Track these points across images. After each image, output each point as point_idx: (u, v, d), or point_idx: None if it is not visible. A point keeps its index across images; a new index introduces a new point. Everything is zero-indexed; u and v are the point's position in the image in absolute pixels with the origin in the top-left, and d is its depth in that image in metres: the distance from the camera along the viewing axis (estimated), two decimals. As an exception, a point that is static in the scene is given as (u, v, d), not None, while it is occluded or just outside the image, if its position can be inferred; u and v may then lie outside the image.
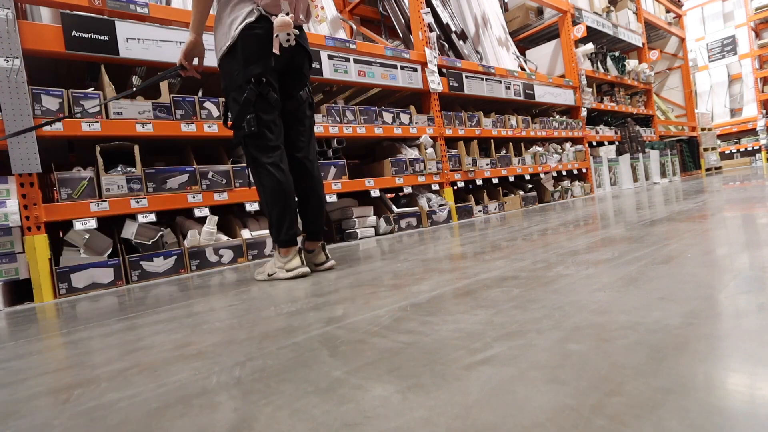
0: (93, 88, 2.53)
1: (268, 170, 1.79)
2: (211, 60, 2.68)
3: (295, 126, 1.94)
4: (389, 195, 3.88)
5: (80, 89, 2.31)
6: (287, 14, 1.75)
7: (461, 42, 4.68)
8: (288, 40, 1.75)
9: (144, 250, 2.46)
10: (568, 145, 5.68)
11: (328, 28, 3.78)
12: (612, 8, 6.71)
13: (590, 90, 6.01)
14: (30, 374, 0.89)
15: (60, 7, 2.32)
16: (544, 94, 5.27)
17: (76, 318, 1.50)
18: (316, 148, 2.08)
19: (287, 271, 1.79)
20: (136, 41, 2.43)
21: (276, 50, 1.75)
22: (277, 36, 1.74)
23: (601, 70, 6.41)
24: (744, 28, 10.14)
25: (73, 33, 2.27)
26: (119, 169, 2.41)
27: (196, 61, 1.93)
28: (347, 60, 3.36)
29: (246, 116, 1.76)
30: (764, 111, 10.13)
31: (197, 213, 2.56)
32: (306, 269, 1.81)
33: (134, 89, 2.00)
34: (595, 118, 6.66)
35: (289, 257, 1.81)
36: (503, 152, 4.74)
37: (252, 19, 1.74)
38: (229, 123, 1.85)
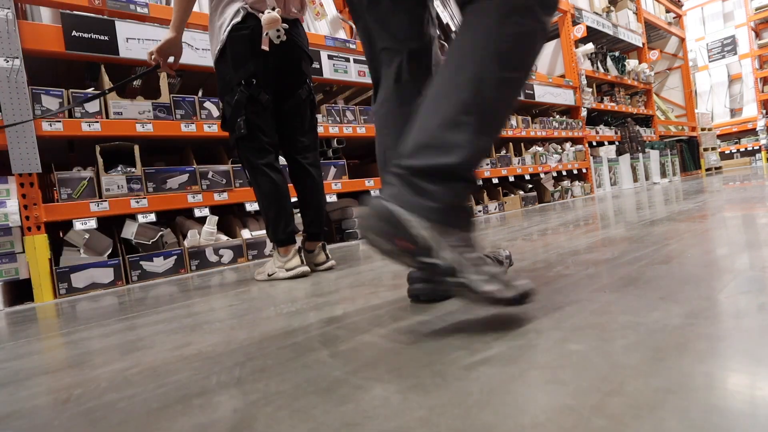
0: (93, 88, 2.53)
1: (263, 171, 1.79)
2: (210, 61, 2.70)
3: (295, 126, 1.92)
4: (389, 195, 3.87)
5: (80, 89, 2.31)
6: (274, 9, 1.70)
7: (461, 42, 4.68)
8: (279, 36, 1.70)
9: (144, 250, 2.46)
10: (568, 145, 5.68)
11: (328, 28, 3.78)
12: (612, 8, 6.71)
13: (590, 90, 6.01)
14: (30, 374, 0.89)
15: (60, 7, 2.32)
16: (544, 94, 5.27)
17: (76, 318, 1.50)
18: (319, 149, 2.04)
19: (287, 270, 1.79)
20: (136, 41, 2.44)
21: (265, 46, 1.70)
22: (266, 33, 1.70)
23: (601, 70, 6.41)
24: (744, 28, 10.13)
25: (73, 33, 2.27)
26: (119, 169, 2.41)
27: (172, 59, 1.90)
28: (347, 60, 3.36)
29: (237, 119, 1.76)
30: (764, 111, 10.12)
31: (197, 213, 2.56)
32: (305, 268, 1.81)
33: (106, 90, 1.97)
34: (595, 118, 6.66)
35: (289, 256, 1.80)
36: (503, 152, 4.74)
37: (238, 19, 1.71)
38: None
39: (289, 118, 1.91)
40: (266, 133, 1.81)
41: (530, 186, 5.16)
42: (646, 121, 7.59)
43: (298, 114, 1.93)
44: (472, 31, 0.80)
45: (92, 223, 2.23)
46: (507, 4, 0.77)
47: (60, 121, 2.19)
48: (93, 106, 2.30)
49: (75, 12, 2.32)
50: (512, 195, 4.81)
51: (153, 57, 1.84)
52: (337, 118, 3.26)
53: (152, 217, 2.41)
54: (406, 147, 0.80)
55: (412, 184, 0.76)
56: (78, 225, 2.20)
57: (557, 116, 5.72)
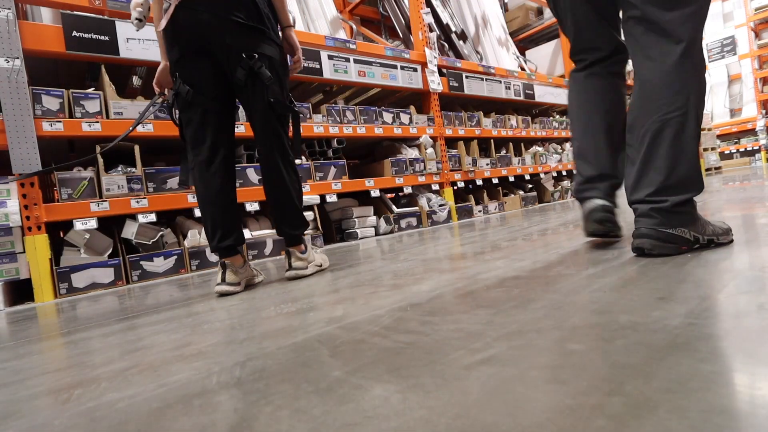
0: (93, 89, 2.53)
1: (193, 172, 1.65)
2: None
3: (251, 114, 1.69)
4: (389, 195, 3.89)
5: (80, 89, 2.32)
6: None
7: (461, 42, 4.68)
8: (137, 18, 1.58)
9: (144, 250, 2.47)
10: (568, 145, 5.68)
11: (328, 28, 3.78)
12: (612, 8, 6.70)
13: (590, 90, 5.99)
14: (30, 374, 0.89)
15: (60, 8, 2.32)
16: (544, 94, 5.27)
17: (76, 318, 1.50)
18: (277, 135, 1.69)
19: (216, 284, 1.59)
20: (136, 41, 2.44)
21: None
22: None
23: (601, 70, 6.40)
24: (744, 29, 10.13)
25: (74, 33, 2.27)
26: (119, 169, 2.41)
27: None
28: (347, 60, 3.36)
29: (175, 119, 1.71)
30: (764, 111, 10.12)
31: (197, 213, 2.56)
32: (223, 288, 1.57)
33: (130, 129, 1.93)
34: (595, 118, 6.65)
35: (218, 270, 1.61)
36: (503, 152, 4.74)
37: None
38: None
39: (244, 105, 1.69)
40: (198, 132, 1.62)
41: (530, 186, 5.16)
42: (646, 121, 7.57)
43: (248, 98, 1.65)
44: None
45: (92, 223, 2.23)
46: None
47: (60, 121, 2.19)
48: (93, 106, 2.30)
49: (75, 12, 2.32)
50: (512, 195, 4.81)
51: (158, 88, 1.75)
52: (337, 118, 3.26)
53: (152, 217, 2.41)
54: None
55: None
56: (78, 225, 2.20)
57: (557, 116, 5.72)
